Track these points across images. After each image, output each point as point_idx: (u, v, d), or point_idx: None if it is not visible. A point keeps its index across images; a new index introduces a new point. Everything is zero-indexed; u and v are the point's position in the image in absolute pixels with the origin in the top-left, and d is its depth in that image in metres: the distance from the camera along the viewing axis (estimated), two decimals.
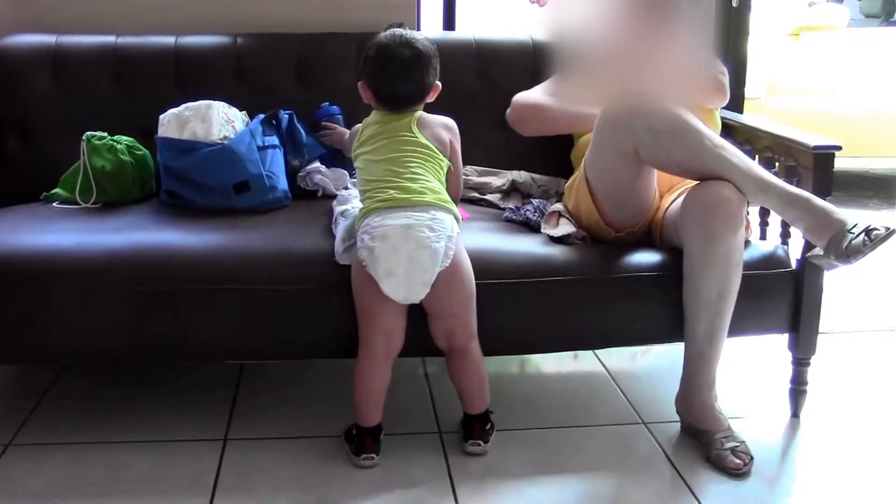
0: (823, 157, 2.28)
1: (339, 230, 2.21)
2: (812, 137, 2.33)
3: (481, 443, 2.23)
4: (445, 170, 2.24)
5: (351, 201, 2.38)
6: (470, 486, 2.11)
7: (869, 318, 3.28)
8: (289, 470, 2.17)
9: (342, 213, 2.30)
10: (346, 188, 2.56)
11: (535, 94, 2.66)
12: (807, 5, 6.82)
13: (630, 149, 2.17)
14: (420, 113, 2.25)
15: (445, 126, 2.29)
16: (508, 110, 2.67)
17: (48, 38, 2.78)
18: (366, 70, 2.26)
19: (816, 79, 5.79)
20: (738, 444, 2.20)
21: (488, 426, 2.25)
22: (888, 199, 5.11)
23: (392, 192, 2.10)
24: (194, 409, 2.45)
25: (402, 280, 2.05)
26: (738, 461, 2.16)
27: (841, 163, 2.30)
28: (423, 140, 2.20)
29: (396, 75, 2.22)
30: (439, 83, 2.28)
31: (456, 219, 2.14)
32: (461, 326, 2.15)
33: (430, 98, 2.29)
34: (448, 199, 2.16)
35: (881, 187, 5.59)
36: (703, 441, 2.25)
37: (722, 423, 2.24)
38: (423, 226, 2.05)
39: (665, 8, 2.50)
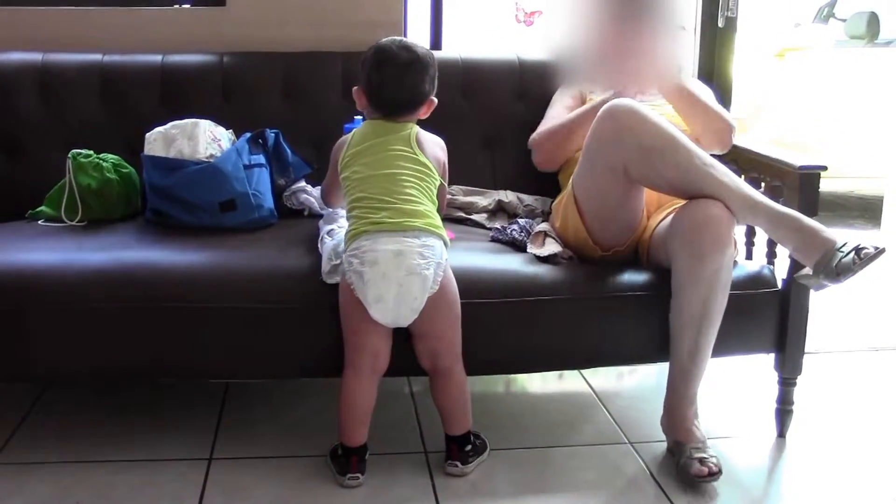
0: (809, 176, 2.29)
1: (326, 249, 2.20)
2: (798, 157, 2.35)
3: (458, 464, 2.21)
4: (437, 188, 2.22)
5: (337, 220, 2.37)
6: None
7: (855, 337, 3.28)
8: (274, 489, 2.16)
9: (328, 233, 2.29)
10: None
11: (543, 126, 2.70)
12: (792, 26, 6.87)
13: (620, 166, 2.17)
14: (417, 128, 2.21)
15: (441, 147, 2.26)
16: (532, 156, 2.69)
17: (35, 56, 2.78)
18: (362, 72, 2.22)
19: (802, 99, 5.82)
20: (707, 456, 2.17)
21: (468, 448, 2.23)
22: (873, 219, 5.12)
23: (384, 213, 2.08)
24: (179, 429, 2.43)
25: (391, 306, 2.05)
26: (703, 468, 2.14)
27: (826, 183, 2.31)
28: (423, 158, 2.17)
29: (390, 78, 2.18)
30: (435, 99, 2.24)
31: (445, 243, 2.14)
32: (445, 347, 2.15)
33: (424, 113, 2.23)
34: (439, 224, 2.14)
35: (866, 208, 5.60)
36: (675, 452, 2.25)
37: (696, 436, 2.22)
38: (413, 253, 2.04)
39: (638, 8, 2.51)
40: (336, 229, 2.29)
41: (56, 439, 2.37)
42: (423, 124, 2.27)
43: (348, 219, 2.16)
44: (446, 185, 2.32)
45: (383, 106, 2.21)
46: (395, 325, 2.10)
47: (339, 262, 2.14)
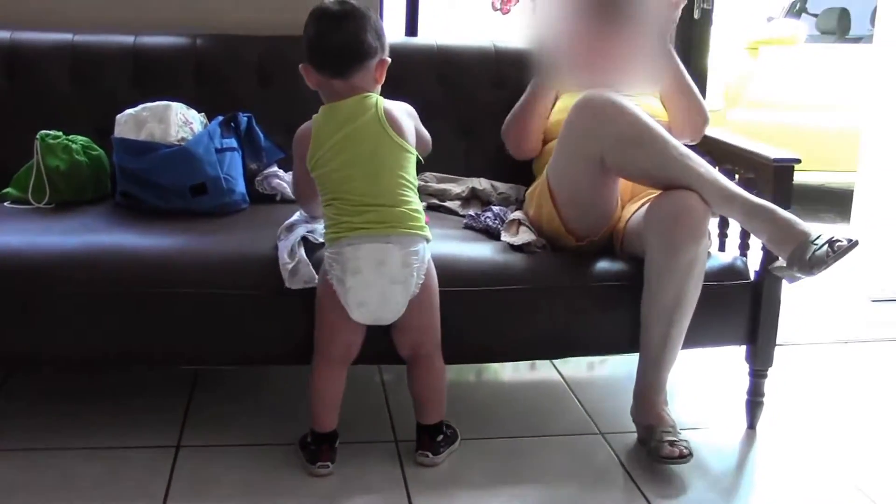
0: (783, 169, 2.29)
1: (281, 254, 2.13)
2: (772, 150, 2.35)
3: (429, 454, 2.20)
4: (415, 160, 2.14)
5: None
6: (426, 496, 2.09)
7: (825, 329, 3.30)
8: (242, 478, 2.14)
9: (288, 227, 2.22)
10: None
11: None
12: (765, 20, 6.91)
13: (596, 156, 2.17)
14: (382, 105, 2.09)
15: (410, 114, 2.17)
16: (507, 146, 2.66)
17: (3, 34, 2.72)
18: (305, 45, 2.13)
19: (774, 93, 5.85)
20: (677, 439, 2.17)
21: (440, 438, 2.23)
22: (843, 213, 5.16)
23: (366, 216, 2.02)
24: (147, 416, 2.41)
25: (372, 309, 2.05)
26: (674, 450, 2.14)
27: (797, 176, 2.31)
28: (399, 140, 2.07)
29: (328, 28, 2.09)
30: (388, 58, 2.14)
31: (427, 240, 2.10)
32: (428, 338, 2.14)
33: (380, 76, 2.12)
34: (423, 222, 2.08)
35: (836, 202, 5.64)
36: (646, 438, 2.25)
37: (667, 420, 2.22)
38: (396, 262, 2.02)
39: (613, 6, 2.49)
40: (300, 226, 2.23)
41: (21, 427, 2.33)
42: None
43: (325, 215, 2.09)
44: (424, 140, 2.24)
45: (329, 62, 2.09)
46: (376, 324, 2.09)
47: (294, 263, 2.10)
